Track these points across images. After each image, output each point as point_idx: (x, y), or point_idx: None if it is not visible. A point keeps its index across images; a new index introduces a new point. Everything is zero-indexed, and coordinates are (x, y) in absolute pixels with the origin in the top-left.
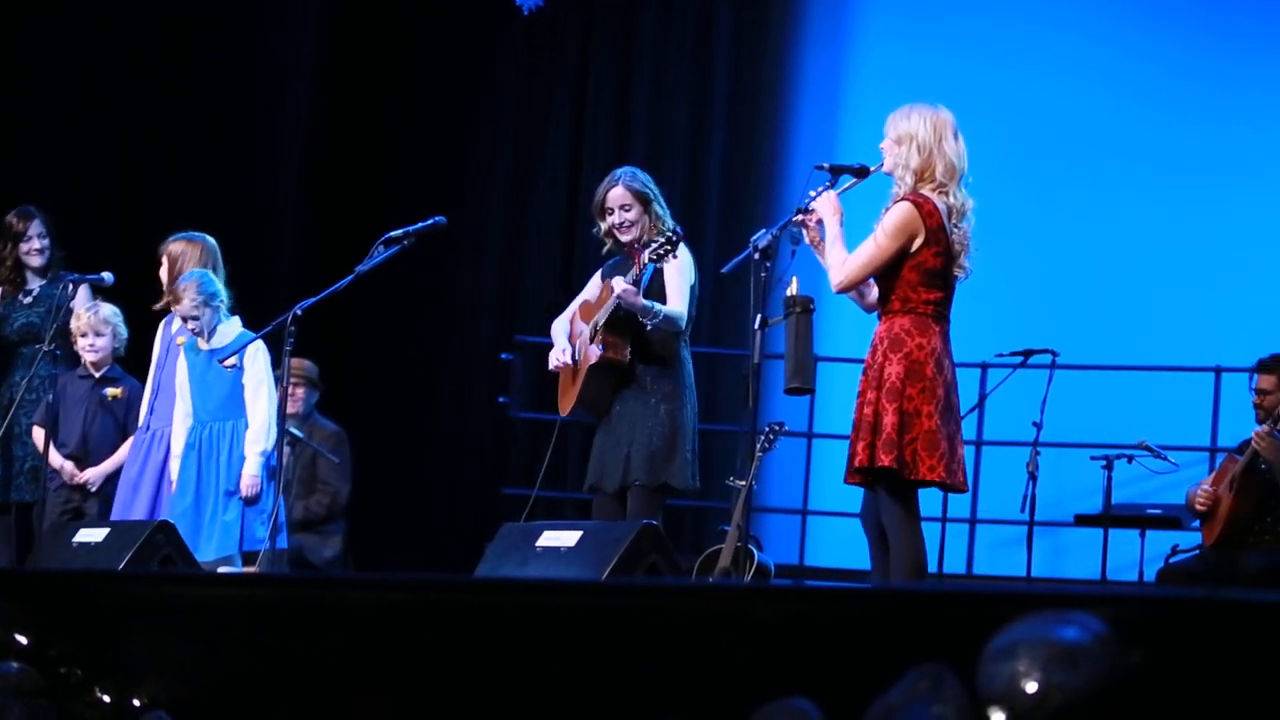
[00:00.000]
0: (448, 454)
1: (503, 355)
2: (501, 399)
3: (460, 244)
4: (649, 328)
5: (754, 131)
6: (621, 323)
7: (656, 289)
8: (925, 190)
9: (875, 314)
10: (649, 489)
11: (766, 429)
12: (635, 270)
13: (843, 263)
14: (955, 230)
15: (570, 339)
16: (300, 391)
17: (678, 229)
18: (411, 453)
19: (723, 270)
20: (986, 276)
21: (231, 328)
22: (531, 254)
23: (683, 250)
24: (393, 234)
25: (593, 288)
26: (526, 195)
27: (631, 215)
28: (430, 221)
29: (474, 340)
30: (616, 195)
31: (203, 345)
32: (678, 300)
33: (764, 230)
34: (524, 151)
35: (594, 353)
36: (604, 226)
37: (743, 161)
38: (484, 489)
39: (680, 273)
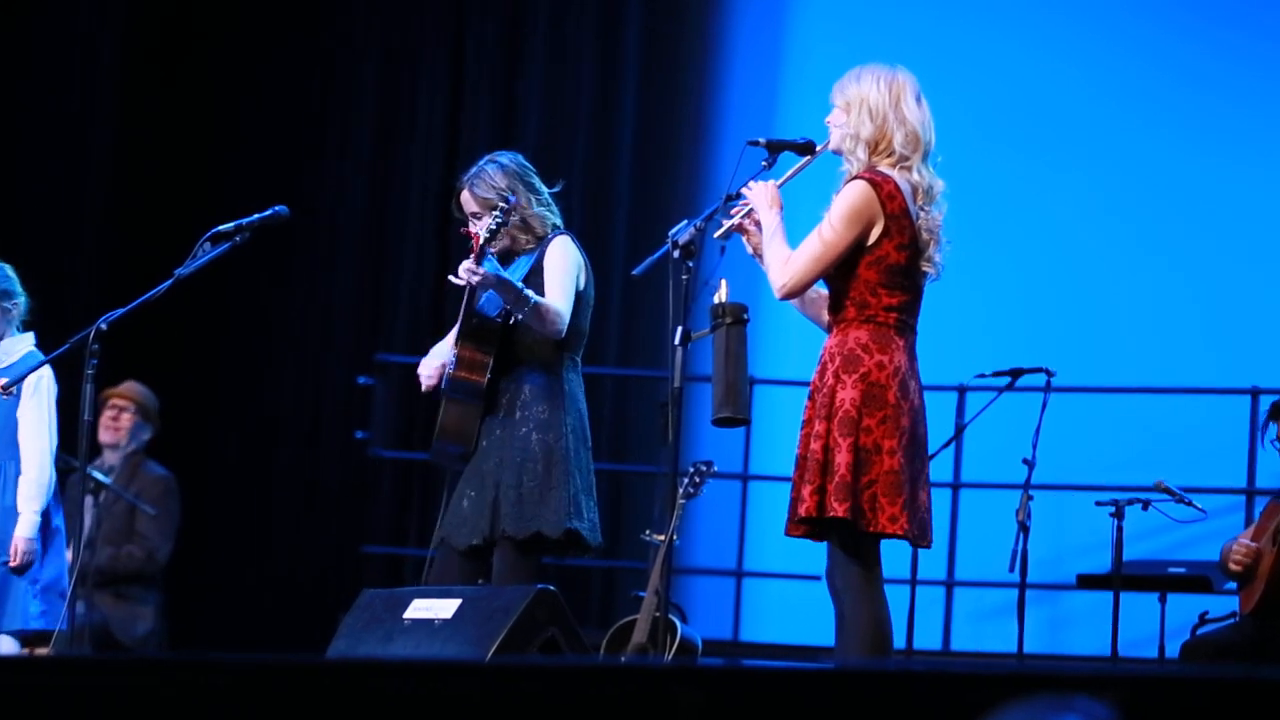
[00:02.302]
0: (292, 502)
1: (361, 379)
2: (360, 433)
3: (308, 241)
4: (517, 318)
5: (673, 101)
6: (481, 332)
7: (531, 289)
8: (883, 166)
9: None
10: (516, 542)
11: (691, 470)
12: (474, 248)
13: (785, 261)
14: (922, 215)
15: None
16: (127, 419)
17: (547, 221)
18: (247, 501)
19: (634, 272)
20: (963, 278)
21: (19, 344)
22: (397, 254)
23: (565, 243)
24: (222, 228)
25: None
26: (390, 182)
27: (484, 225)
28: (269, 212)
29: (325, 360)
30: (464, 201)
31: None
32: (558, 295)
33: (685, 222)
34: (386, 129)
35: (449, 372)
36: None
37: (658, 138)
38: (339, 546)
39: (562, 267)
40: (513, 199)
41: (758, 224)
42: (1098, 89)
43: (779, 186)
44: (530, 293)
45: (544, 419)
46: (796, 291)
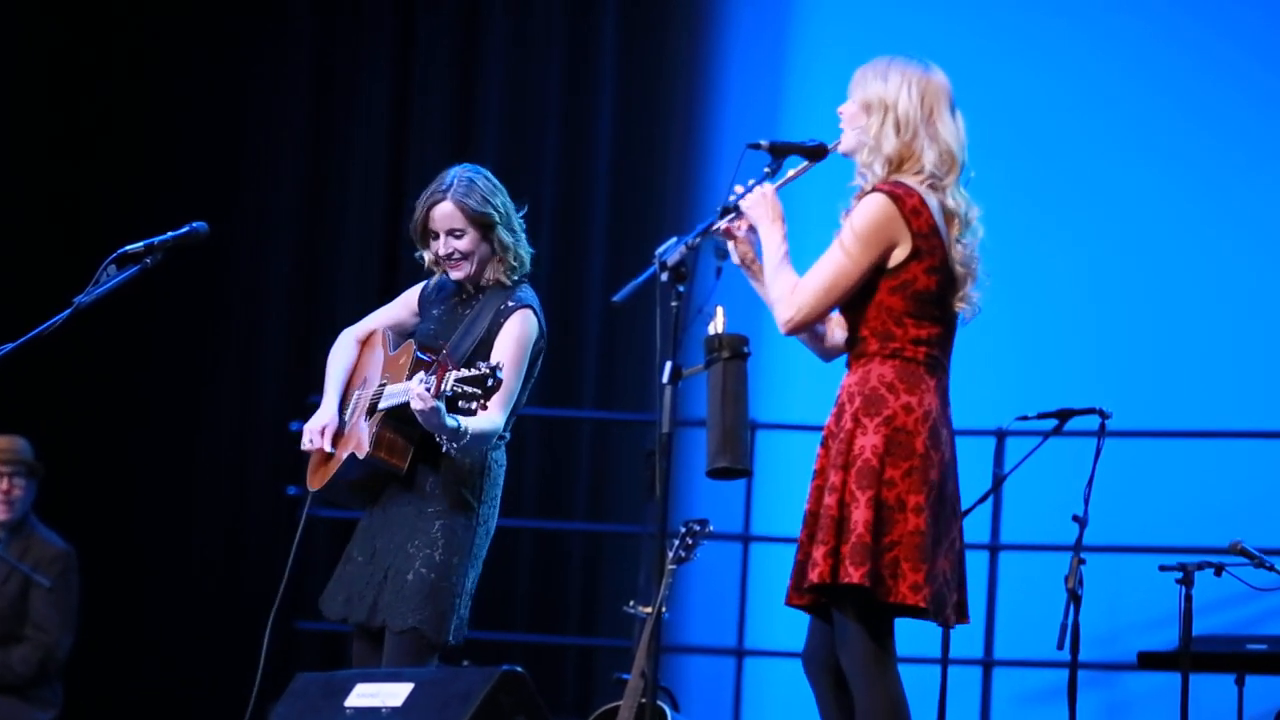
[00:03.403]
0: (212, 571)
1: (293, 425)
2: (292, 489)
3: (232, 264)
4: (447, 450)
5: (658, 97)
6: (410, 422)
7: (478, 359)
8: (906, 178)
9: (841, 359)
10: (398, 634)
11: (682, 530)
12: (435, 383)
13: (792, 289)
14: (956, 246)
15: (343, 402)
16: (16, 488)
17: (521, 281)
18: (159, 571)
19: (614, 299)
20: (1000, 305)
21: None
22: (334, 279)
23: (526, 321)
24: (130, 249)
25: (403, 308)
26: (326, 196)
27: (464, 244)
28: (185, 230)
29: (252, 404)
30: (444, 215)
31: None
32: (500, 399)
33: (674, 240)
34: (322, 133)
35: (363, 439)
36: (428, 256)
37: (642, 141)
38: (268, 621)
39: (515, 359)
40: (500, 373)
41: (751, 230)
42: (1150, 93)
43: (777, 191)
44: (467, 426)
45: (454, 506)
46: (805, 325)
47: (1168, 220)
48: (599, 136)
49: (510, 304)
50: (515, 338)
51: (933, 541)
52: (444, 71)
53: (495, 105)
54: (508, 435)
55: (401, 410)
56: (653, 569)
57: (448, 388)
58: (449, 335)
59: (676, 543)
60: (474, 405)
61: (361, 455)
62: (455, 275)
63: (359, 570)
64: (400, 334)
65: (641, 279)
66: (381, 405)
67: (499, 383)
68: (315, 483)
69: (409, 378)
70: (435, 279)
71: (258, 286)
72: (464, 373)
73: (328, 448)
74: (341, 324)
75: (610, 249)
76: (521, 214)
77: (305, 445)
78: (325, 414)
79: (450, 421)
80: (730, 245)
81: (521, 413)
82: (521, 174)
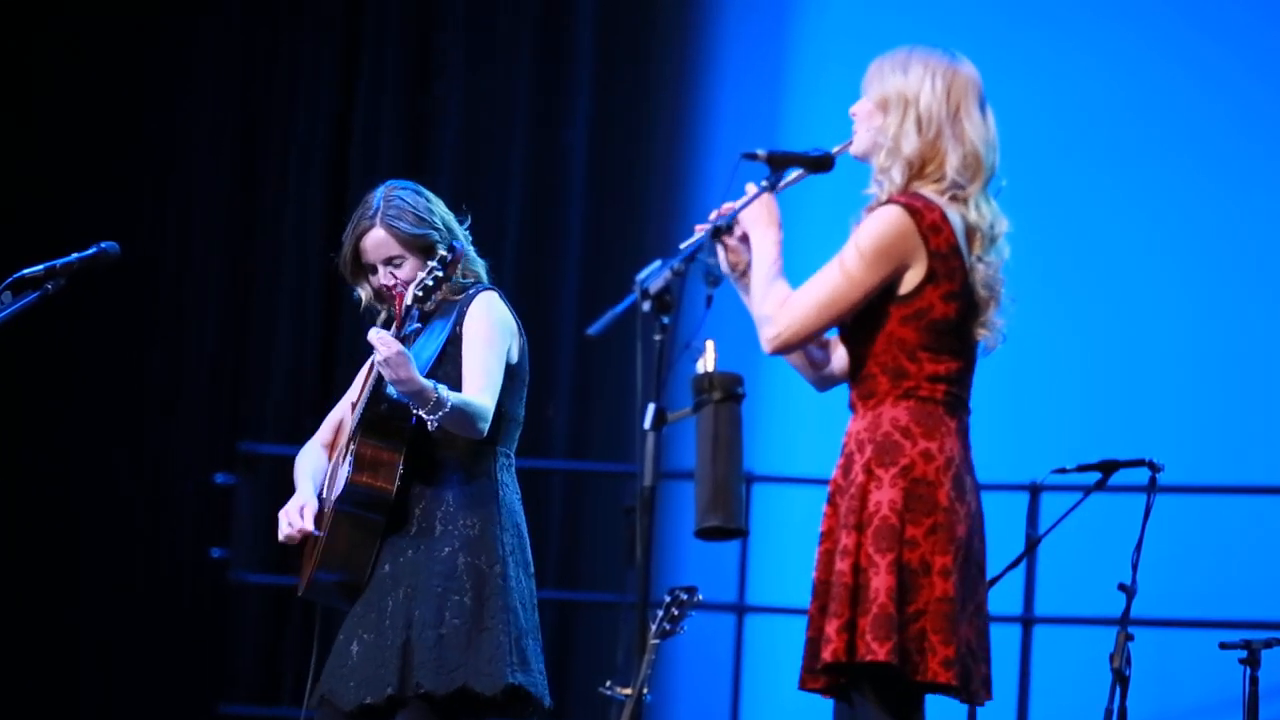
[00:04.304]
0: (127, 645)
1: (219, 477)
2: (216, 551)
3: (149, 291)
4: (431, 427)
5: (639, 105)
6: (389, 423)
7: (448, 364)
8: (926, 191)
9: (837, 392)
10: (435, 701)
11: (667, 599)
12: (397, 316)
13: (782, 303)
14: (979, 265)
15: (324, 485)
16: None
17: (472, 268)
18: (65, 643)
19: (590, 331)
20: (1031, 341)
21: None
22: (267, 313)
23: (490, 302)
24: (29, 272)
25: (361, 378)
26: (258, 222)
27: (405, 272)
28: (93, 251)
29: (172, 452)
30: (377, 243)
31: None
32: (480, 380)
33: (658, 264)
34: (252, 150)
35: (341, 477)
36: (364, 294)
37: (621, 154)
38: (188, 704)
39: (486, 337)
40: (459, 245)
41: (745, 240)
42: (1207, 102)
43: (774, 195)
44: (447, 393)
45: (473, 535)
46: (793, 345)
47: (1229, 246)
48: (571, 149)
49: (471, 293)
50: (483, 316)
51: (968, 609)
52: (395, 80)
53: (454, 112)
54: (512, 455)
55: (375, 413)
56: (633, 644)
57: (409, 303)
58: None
59: (660, 614)
60: (435, 282)
61: (341, 489)
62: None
63: (365, 646)
64: None
65: (620, 309)
66: (352, 423)
67: (456, 254)
68: (303, 577)
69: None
70: (380, 320)
71: (180, 315)
72: (419, 276)
73: (310, 527)
74: (277, 360)
75: (584, 275)
76: (465, 226)
77: (284, 532)
78: (302, 495)
79: (425, 382)
80: (720, 252)
81: None
82: (483, 190)
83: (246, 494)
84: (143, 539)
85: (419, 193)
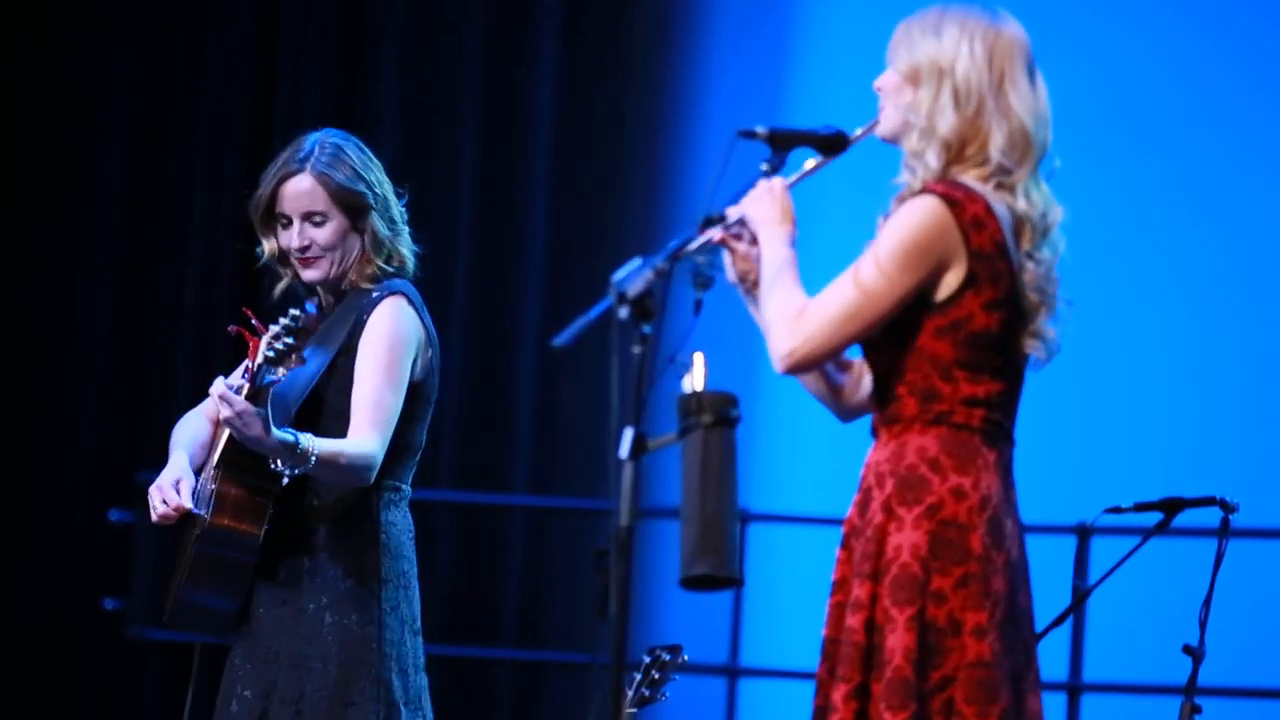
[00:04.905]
0: (8, 713)
1: (113, 514)
2: (111, 602)
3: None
4: (285, 481)
5: (615, 76)
6: (253, 459)
7: (338, 380)
8: (967, 178)
9: (865, 422)
10: None
11: (647, 660)
12: (250, 370)
13: (797, 313)
14: (1029, 264)
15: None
16: None
17: (395, 269)
18: None
19: (555, 342)
20: (1083, 362)
21: None
22: (172, 320)
23: (396, 310)
24: None
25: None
26: (157, 218)
27: (325, 234)
28: None
29: (59, 484)
30: (300, 192)
31: None
32: (367, 416)
33: (637, 264)
34: (156, 136)
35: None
36: (268, 247)
37: (592, 134)
38: None
39: (381, 357)
40: (312, 309)
41: (755, 240)
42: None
43: (789, 189)
44: (310, 442)
45: (344, 590)
46: (810, 364)
47: None
48: (535, 128)
49: (375, 295)
50: (383, 332)
51: (1007, 674)
52: (322, 52)
53: (392, 85)
54: (406, 488)
55: (243, 455)
56: (605, 713)
57: (260, 360)
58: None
59: (639, 677)
60: (286, 348)
61: (201, 528)
62: (309, 276)
63: (243, 705)
64: None
65: (592, 316)
66: (216, 454)
67: (310, 318)
68: (170, 600)
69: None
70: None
71: (67, 318)
72: (273, 329)
73: (188, 504)
74: (186, 370)
75: (550, 276)
76: (403, 203)
77: (159, 510)
78: (177, 467)
79: (281, 434)
80: (726, 259)
81: (427, 498)
82: (429, 177)
83: (147, 533)
84: (23, 587)
85: (360, 148)
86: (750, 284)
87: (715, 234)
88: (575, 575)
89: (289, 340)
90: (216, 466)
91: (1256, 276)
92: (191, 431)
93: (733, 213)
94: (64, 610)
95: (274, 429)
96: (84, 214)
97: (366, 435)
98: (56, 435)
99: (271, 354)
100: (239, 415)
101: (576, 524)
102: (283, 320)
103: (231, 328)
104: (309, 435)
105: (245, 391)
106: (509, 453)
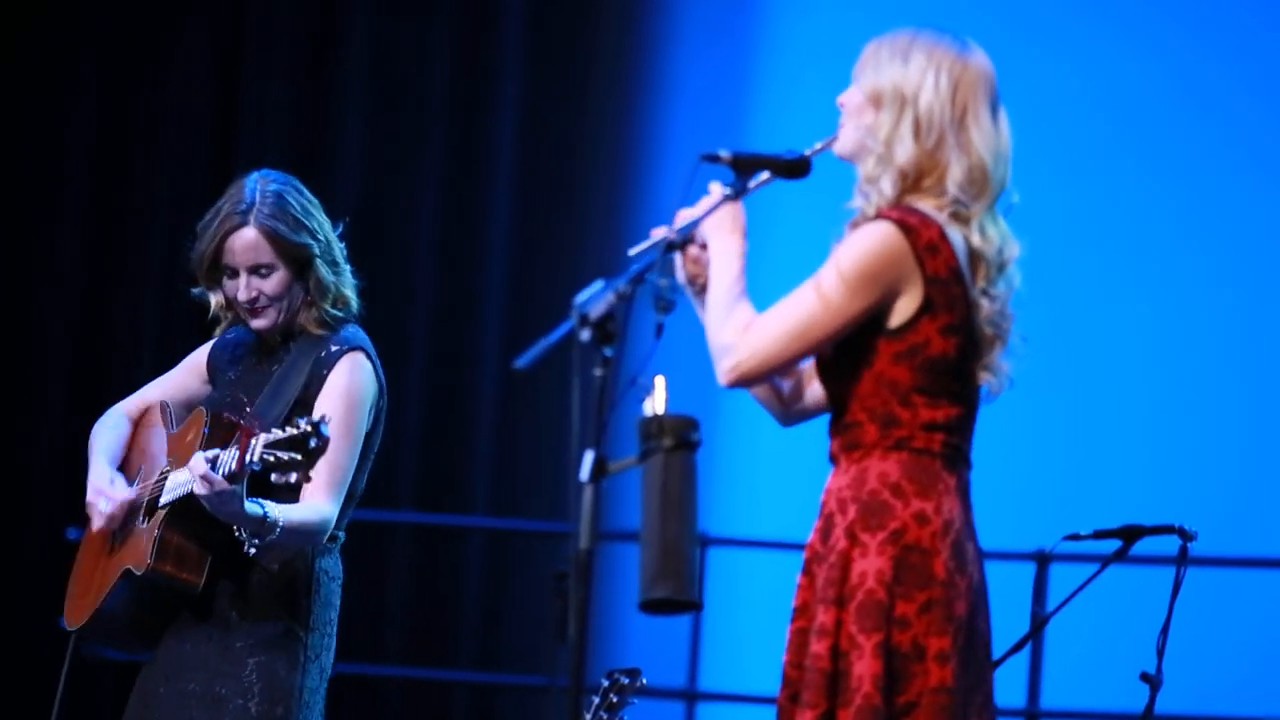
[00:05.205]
0: None
1: (71, 533)
2: (65, 621)
3: None
4: (249, 550)
5: (578, 97)
6: (207, 521)
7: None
8: (923, 204)
9: (817, 444)
10: None
11: (606, 684)
12: (236, 455)
13: (744, 327)
14: (984, 298)
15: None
16: None
17: (349, 326)
18: None
19: (516, 364)
20: (1040, 390)
21: None
22: (128, 335)
23: (357, 369)
24: None
25: (190, 374)
26: (116, 241)
27: (271, 285)
28: None
29: (14, 501)
30: (247, 245)
31: None
32: (326, 480)
33: (599, 286)
34: (113, 158)
35: (144, 548)
36: (217, 300)
37: (555, 156)
38: None
39: (344, 424)
40: (325, 432)
41: (704, 245)
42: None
43: (739, 200)
44: (277, 513)
45: (273, 635)
46: (756, 378)
47: (1273, 285)
48: (497, 150)
49: (334, 348)
50: (343, 392)
51: (964, 700)
52: (286, 66)
53: (355, 104)
54: (341, 534)
55: (192, 505)
56: None
57: (254, 457)
58: (252, 400)
59: (596, 701)
60: (293, 477)
61: (140, 570)
62: (258, 324)
63: None
64: (188, 408)
65: (553, 339)
66: (164, 499)
67: (325, 443)
68: (76, 616)
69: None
70: (229, 335)
71: (23, 338)
72: (276, 434)
73: (131, 496)
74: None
75: (511, 298)
76: (338, 232)
77: (104, 512)
78: (99, 475)
79: (252, 508)
80: (677, 261)
81: (386, 519)
82: (392, 198)
83: None
84: None
85: (300, 191)
86: (699, 286)
87: (669, 236)
88: (534, 598)
89: (295, 456)
90: (166, 511)
91: (1215, 308)
92: (114, 437)
93: (684, 217)
94: (19, 630)
95: (246, 502)
96: (44, 230)
97: (324, 500)
98: (12, 455)
99: (270, 459)
100: (218, 495)
101: (536, 546)
102: (293, 431)
103: (226, 415)
104: (274, 505)
105: (227, 467)
106: (469, 474)
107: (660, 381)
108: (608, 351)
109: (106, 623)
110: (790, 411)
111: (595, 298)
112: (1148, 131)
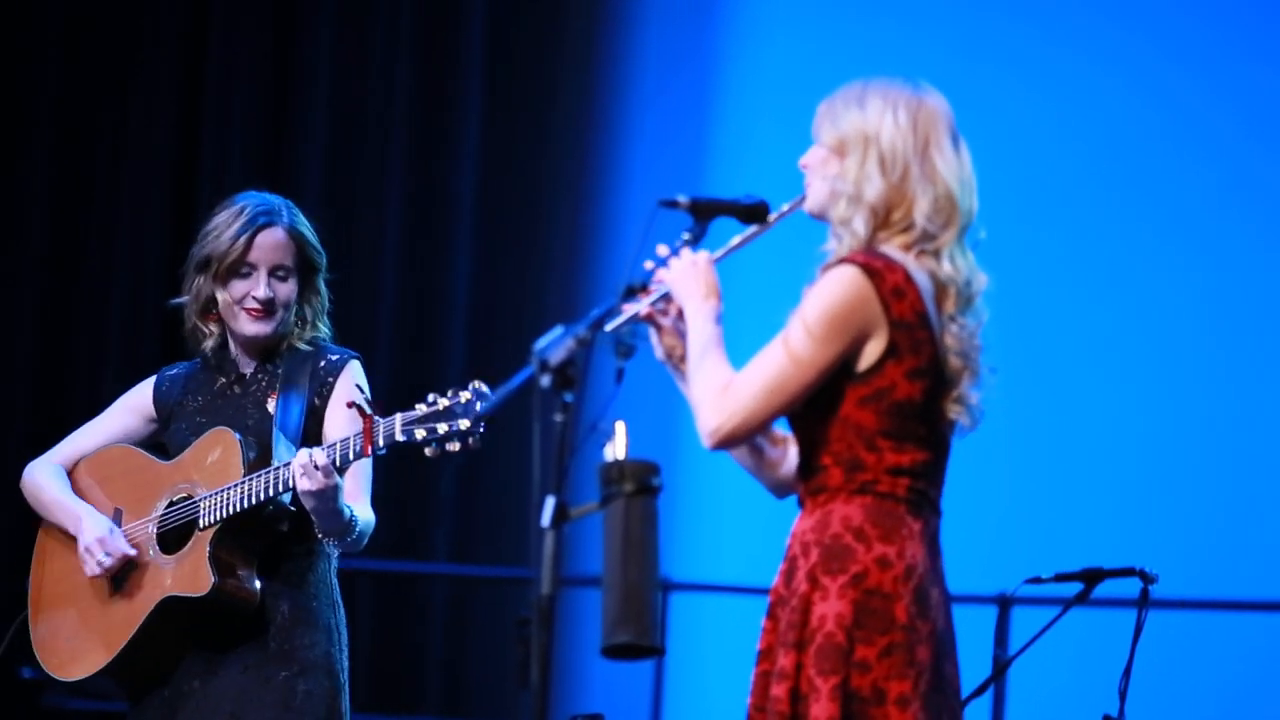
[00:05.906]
0: None
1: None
2: (28, 671)
3: None
4: (335, 551)
5: (539, 138)
6: (262, 524)
7: (309, 444)
8: (889, 248)
9: (792, 496)
10: None
11: None
12: (364, 441)
13: (723, 388)
14: (951, 329)
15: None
16: None
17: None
18: None
19: (478, 410)
20: (1006, 432)
21: None
22: (95, 346)
23: (361, 375)
24: None
25: (131, 417)
26: (77, 259)
27: (285, 291)
28: None
29: None
30: (275, 245)
31: None
32: (363, 487)
33: (559, 332)
34: (74, 176)
35: (196, 571)
36: (225, 298)
37: (514, 198)
38: None
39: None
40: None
41: (680, 315)
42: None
43: (714, 263)
44: (356, 514)
45: (314, 658)
46: (739, 438)
47: (1235, 325)
48: (457, 195)
49: (333, 357)
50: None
51: None
52: (247, 97)
53: (315, 149)
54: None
55: (235, 522)
56: None
57: (394, 433)
58: (241, 421)
59: None
60: (455, 445)
61: (202, 593)
62: (256, 329)
63: None
64: (147, 449)
65: (514, 384)
66: (209, 518)
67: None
68: (77, 667)
69: (250, 473)
70: (170, 371)
71: None
72: (414, 412)
73: (131, 550)
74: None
75: (471, 345)
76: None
77: (102, 563)
78: (97, 524)
79: (347, 509)
80: (653, 335)
81: (352, 566)
82: (351, 244)
83: None
84: None
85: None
86: (677, 360)
87: (641, 309)
88: (497, 644)
89: (430, 430)
90: (216, 537)
91: (1176, 355)
92: (64, 483)
93: (657, 284)
94: None
95: (342, 503)
96: (6, 246)
97: (365, 505)
98: None
99: (421, 434)
100: (327, 489)
101: (498, 592)
102: (422, 409)
103: (347, 401)
104: (352, 506)
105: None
106: (430, 521)
107: (621, 427)
108: (568, 397)
109: (128, 664)
110: (781, 480)
111: (555, 343)
112: (1120, 173)
